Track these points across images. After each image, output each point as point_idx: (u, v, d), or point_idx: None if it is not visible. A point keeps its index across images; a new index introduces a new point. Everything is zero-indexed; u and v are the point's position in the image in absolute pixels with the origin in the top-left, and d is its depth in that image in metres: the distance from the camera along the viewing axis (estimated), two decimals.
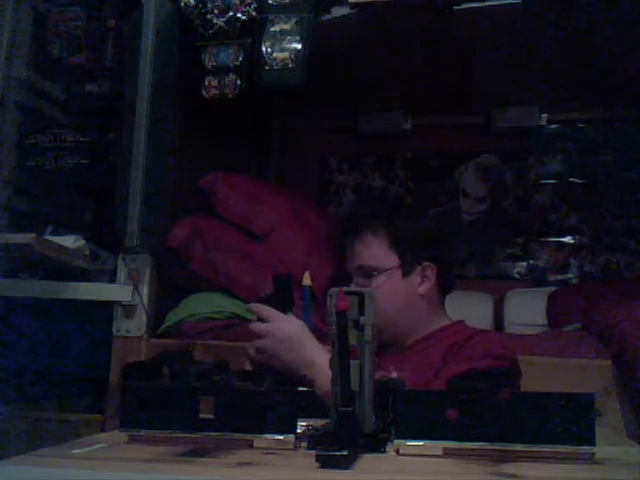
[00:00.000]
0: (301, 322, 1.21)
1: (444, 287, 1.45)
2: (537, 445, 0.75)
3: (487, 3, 1.55)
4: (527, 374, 1.30)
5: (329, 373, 1.12)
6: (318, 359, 1.14)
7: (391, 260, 1.39)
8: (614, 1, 1.70)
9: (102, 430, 1.53)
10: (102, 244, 1.73)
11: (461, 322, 1.45)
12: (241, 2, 1.61)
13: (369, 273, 1.39)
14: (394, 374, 1.24)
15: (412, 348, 1.37)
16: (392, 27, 1.75)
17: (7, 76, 1.81)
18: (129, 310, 1.66)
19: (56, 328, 1.76)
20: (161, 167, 1.65)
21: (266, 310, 1.20)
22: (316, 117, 2.57)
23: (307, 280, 1.27)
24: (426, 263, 1.41)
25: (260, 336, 1.20)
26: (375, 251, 1.40)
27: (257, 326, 1.21)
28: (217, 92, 1.64)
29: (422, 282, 1.41)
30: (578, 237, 2.45)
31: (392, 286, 1.38)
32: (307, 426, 0.85)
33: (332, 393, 0.80)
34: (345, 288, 0.81)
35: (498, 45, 1.91)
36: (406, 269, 1.39)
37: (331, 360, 0.80)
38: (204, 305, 1.74)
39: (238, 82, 1.64)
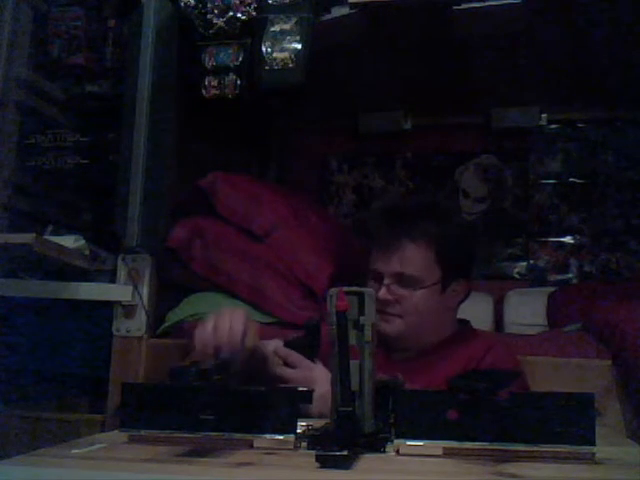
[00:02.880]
0: (328, 373, 1.19)
1: (464, 299, 1.42)
2: (537, 445, 0.75)
3: (487, 3, 1.55)
4: (527, 374, 1.30)
5: None
6: None
7: (434, 274, 1.33)
8: (614, 1, 1.70)
9: (102, 430, 1.53)
10: (102, 244, 1.73)
11: (467, 325, 1.44)
12: (241, 2, 1.61)
13: (409, 283, 1.32)
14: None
15: (422, 357, 1.34)
16: (392, 27, 1.75)
17: (7, 76, 1.81)
18: (129, 310, 1.66)
19: (56, 328, 1.76)
20: (161, 167, 1.65)
21: (294, 356, 1.20)
22: (316, 117, 2.57)
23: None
24: (461, 279, 1.37)
25: (285, 382, 1.19)
26: (421, 262, 1.32)
27: (285, 372, 1.20)
28: (217, 92, 1.64)
29: (453, 296, 1.37)
30: (578, 237, 2.45)
31: (431, 302, 1.33)
32: (307, 426, 0.85)
33: (332, 393, 0.80)
34: (345, 288, 0.81)
35: (498, 45, 1.91)
36: (445, 284, 1.34)
37: (331, 360, 0.80)
38: (204, 305, 1.74)
39: (238, 82, 1.64)
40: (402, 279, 1.32)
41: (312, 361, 1.21)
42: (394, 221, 1.38)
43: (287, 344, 1.23)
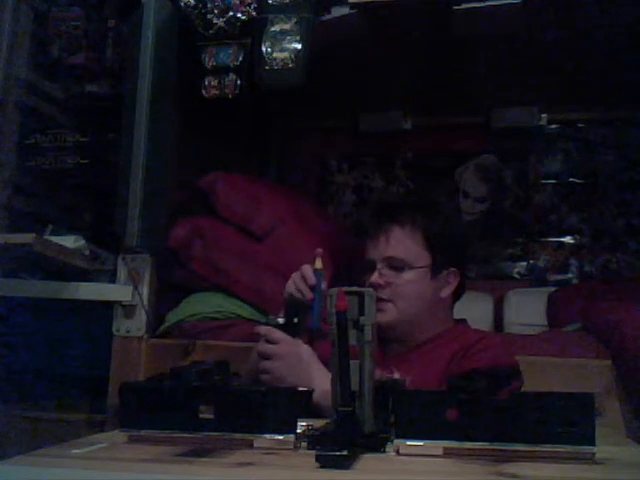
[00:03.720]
0: (309, 348, 1.22)
1: (459, 294, 1.43)
2: (537, 445, 0.75)
3: (487, 3, 1.55)
4: (527, 374, 1.30)
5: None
6: (324, 386, 1.14)
7: (424, 259, 1.35)
8: (614, 1, 1.70)
9: (102, 430, 1.53)
10: (102, 244, 1.73)
11: (463, 322, 1.44)
12: (241, 2, 1.61)
13: (398, 266, 1.35)
14: (396, 375, 1.24)
15: (416, 350, 1.35)
16: (392, 27, 1.75)
17: (7, 76, 1.81)
18: (129, 310, 1.66)
19: (56, 328, 1.76)
20: (161, 167, 1.65)
21: (275, 333, 1.22)
22: (316, 117, 2.57)
23: (319, 263, 1.27)
24: (452, 269, 1.38)
25: (267, 357, 1.21)
26: (409, 245, 1.35)
27: (265, 347, 1.22)
28: (217, 92, 1.65)
29: (445, 286, 1.38)
30: (578, 237, 2.45)
31: (420, 285, 1.35)
32: (307, 426, 0.85)
33: (332, 393, 0.80)
34: (345, 288, 0.81)
35: (498, 45, 1.91)
36: (435, 271, 1.36)
37: (331, 360, 0.80)
38: (204, 305, 1.74)
39: (238, 82, 1.64)
40: (392, 262, 1.35)
41: (293, 337, 1.22)
42: (382, 210, 1.44)
43: (267, 323, 1.26)
